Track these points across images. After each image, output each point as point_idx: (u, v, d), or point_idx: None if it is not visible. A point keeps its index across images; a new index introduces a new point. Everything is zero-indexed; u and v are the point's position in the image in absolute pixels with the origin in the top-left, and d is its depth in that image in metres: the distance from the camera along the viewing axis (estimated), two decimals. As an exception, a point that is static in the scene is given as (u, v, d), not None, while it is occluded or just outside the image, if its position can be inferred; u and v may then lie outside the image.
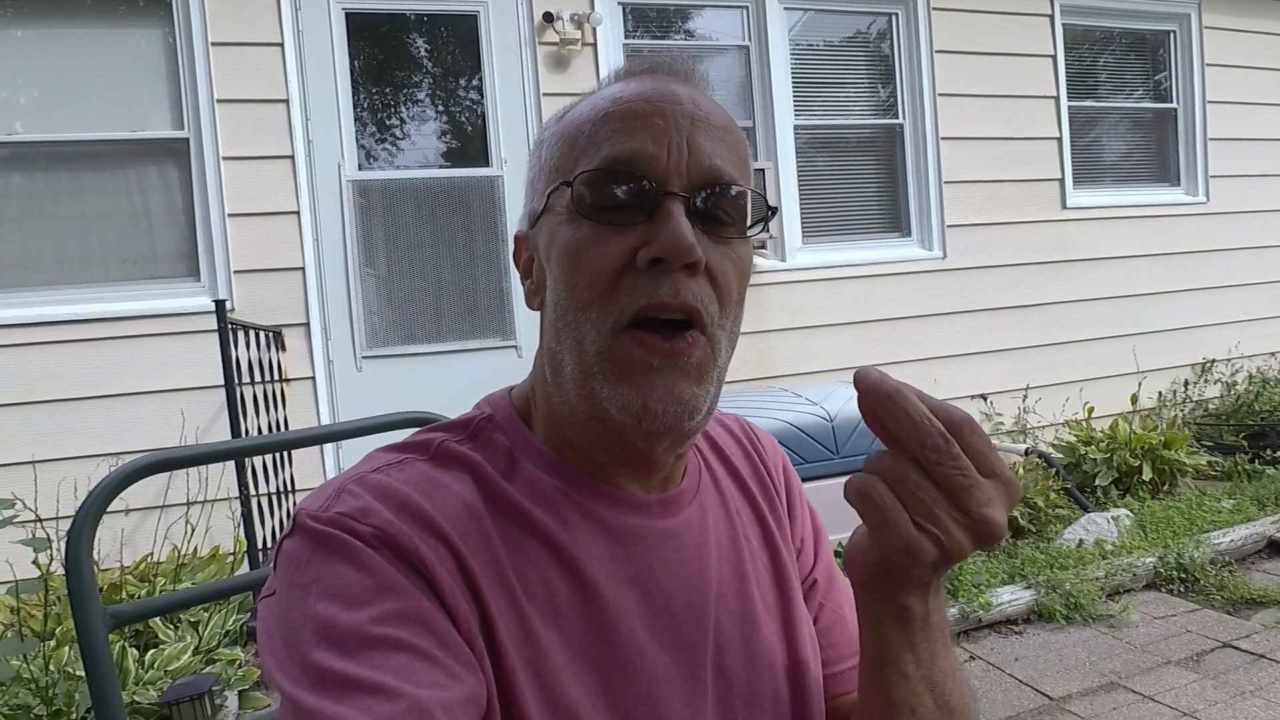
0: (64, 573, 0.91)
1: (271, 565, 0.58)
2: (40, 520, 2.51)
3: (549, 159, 0.63)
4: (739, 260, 0.61)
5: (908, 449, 0.49)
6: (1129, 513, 3.68)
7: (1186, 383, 5.06)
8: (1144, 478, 4.02)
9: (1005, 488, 0.49)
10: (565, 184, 0.60)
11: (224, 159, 3.43)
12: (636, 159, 0.58)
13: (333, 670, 0.48)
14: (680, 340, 0.57)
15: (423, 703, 0.47)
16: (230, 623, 2.71)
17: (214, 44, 3.42)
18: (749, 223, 0.62)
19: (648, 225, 0.57)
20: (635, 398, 0.57)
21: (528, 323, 3.81)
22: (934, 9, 4.51)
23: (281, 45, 3.50)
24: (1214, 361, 5.10)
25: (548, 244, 0.62)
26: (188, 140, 3.44)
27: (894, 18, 4.55)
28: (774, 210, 0.64)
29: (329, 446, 3.56)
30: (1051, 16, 4.78)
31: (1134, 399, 4.75)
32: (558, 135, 0.63)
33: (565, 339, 0.60)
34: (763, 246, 4.18)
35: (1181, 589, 3.17)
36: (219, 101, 3.43)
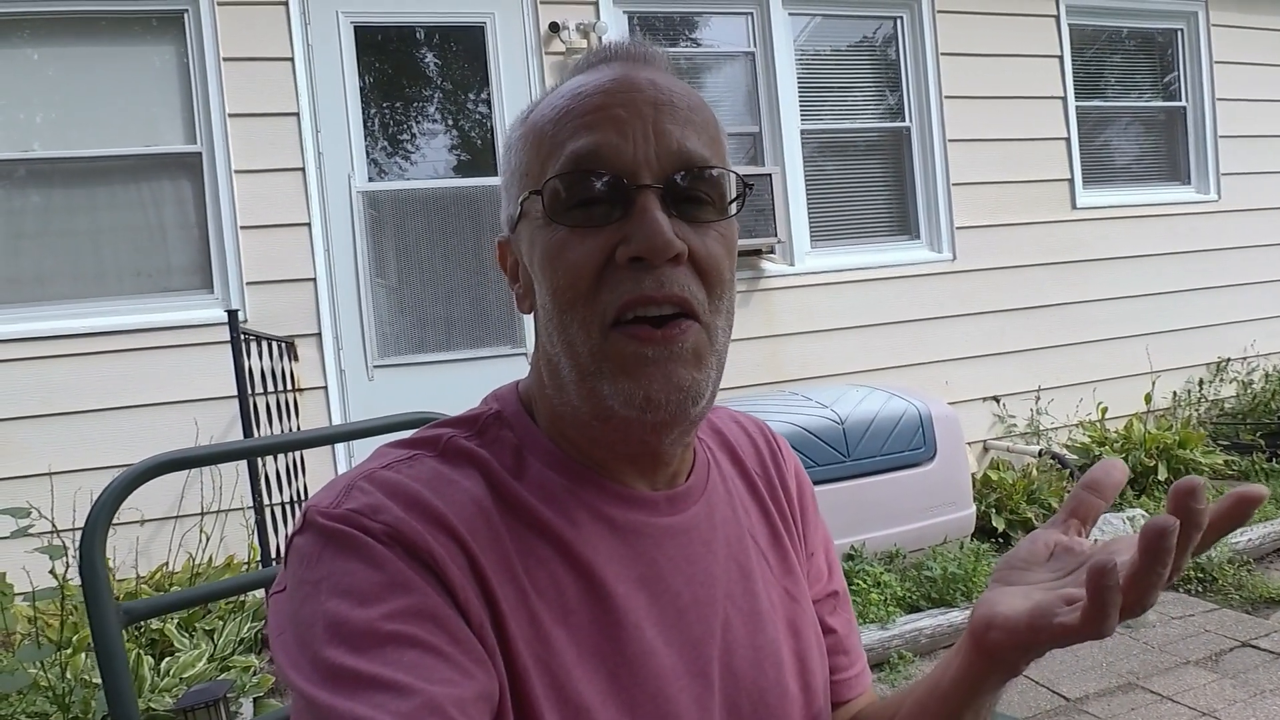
0: (79, 572, 0.93)
1: (281, 561, 0.58)
2: (58, 531, 2.54)
3: (518, 163, 0.63)
4: (724, 240, 0.61)
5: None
6: (1145, 513, 3.65)
7: (1201, 382, 5.00)
8: (1159, 478, 3.99)
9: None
10: (535, 192, 0.59)
11: (236, 172, 3.47)
12: (601, 154, 0.57)
13: (345, 667, 0.48)
14: (672, 327, 0.57)
15: (435, 699, 0.47)
16: (245, 630, 2.72)
17: (226, 59, 3.47)
18: (729, 199, 0.61)
19: (623, 221, 0.57)
20: (637, 390, 0.57)
21: (537, 330, 3.82)
22: (939, 12, 4.52)
23: (292, 60, 3.55)
24: (1229, 360, 5.05)
25: (529, 248, 0.61)
26: (200, 154, 3.49)
27: (899, 21, 4.56)
28: (749, 186, 0.63)
29: (341, 455, 3.58)
30: (1057, 17, 4.77)
31: (1148, 399, 4.71)
32: (524, 137, 0.63)
33: (557, 342, 0.60)
34: (770, 251, 4.19)
35: (1199, 588, 3.13)
36: (231, 116, 3.47)
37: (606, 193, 0.58)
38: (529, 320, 3.89)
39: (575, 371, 0.59)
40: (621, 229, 0.57)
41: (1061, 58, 4.78)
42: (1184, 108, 5.20)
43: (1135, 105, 5.18)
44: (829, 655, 0.75)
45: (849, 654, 0.78)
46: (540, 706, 0.54)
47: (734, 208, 0.62)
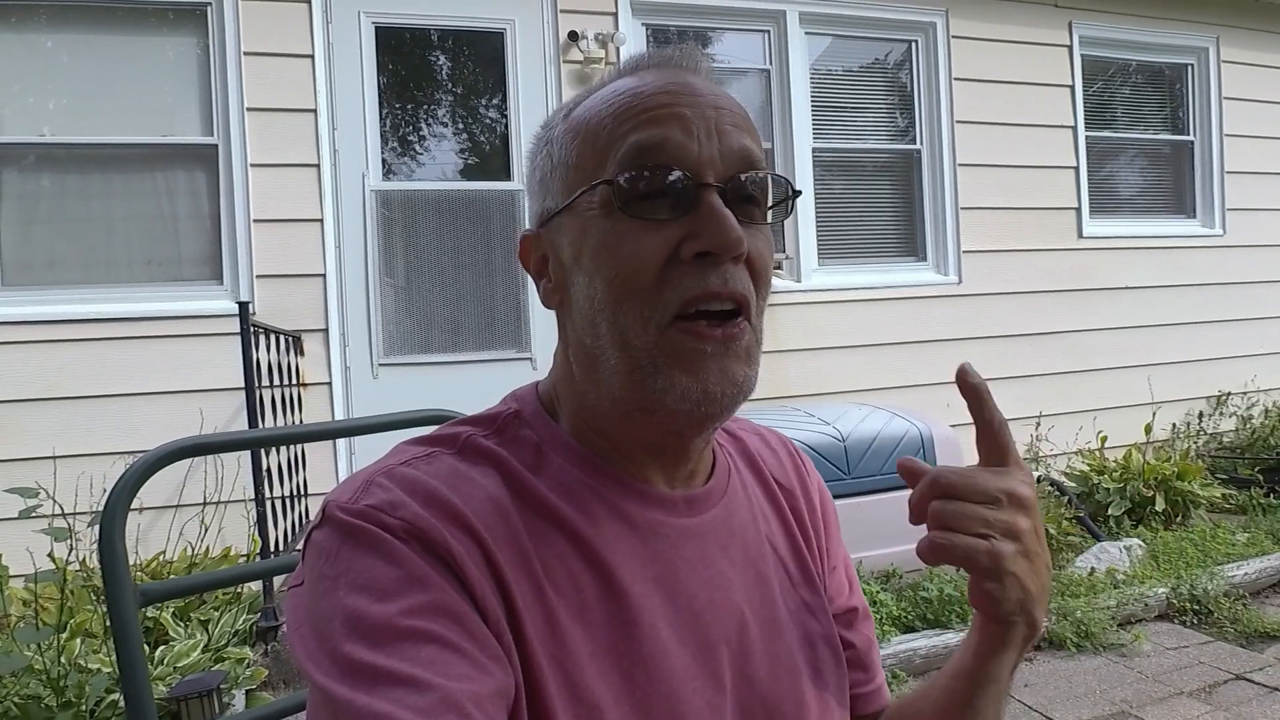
0: (97, 551, 0.93)
1: (300, 555, 0.58)
2: (64, 514, 2.54)
3: (565, 156, 0.62)
4: (768, 241, 0.63)
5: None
6: (1141, 543, 3.65)
7: (1201, 415, 5.02)
8: (1157, 508, 3.99)
9: (1018, 469, 0.60)
10: (604, 183, 0.59)
11: (252, 165, 3.49)
12: (669, 151, 0.58)
13: (363, 662, 0.48)
14: (732, 326, 0.58)
15: (453, 695, 0.47)
16: (240, 622, 2.72)
17: (246, 54, 3.50)
18: (771, 203, 0.64)
19: (688, 218, 0.58)
20: (694, 385, 0.57)
21: (543, 335, 3.84)
22: (953, 37, 4.56)
23: (312, 57, 3.58)
24: (1229, 394, 5.07)
25: (576, 241, 0.61)
26: (216, 146, 3.51)
27: (913, 45, 4.60)
28: (799, 191, 0.65)
29: (344, 452, 3.59)
30: (1070, 47, 4.82)
31: (1148, 429, 4.72)
32: (572, 131, 0.62)
33: (604, 334, 0.59)
34: (779, 267, 4.21)
35: (1194, 620, 3.14)
36: (249, 110, 3.50)
37: (672, 188, 0.58)
38: (538, 327, 3.94)
39: (626, 363, 0.59)
40: (687, 225, 0.58)
41: (1073, 87, 4.83)
42: (1191, 142, 5.24)
43: (1144, 137, 5.22)
44: (847, 670, 0.75)
45: (868, 669, 0.78)
46: (553, 704, 0.54)
47: (781, 211, 0.64)
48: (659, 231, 0.58)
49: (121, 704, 2.09)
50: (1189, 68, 5.24)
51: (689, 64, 0.65)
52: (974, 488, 0.58)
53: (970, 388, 0.60)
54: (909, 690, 0.77)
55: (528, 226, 0.68)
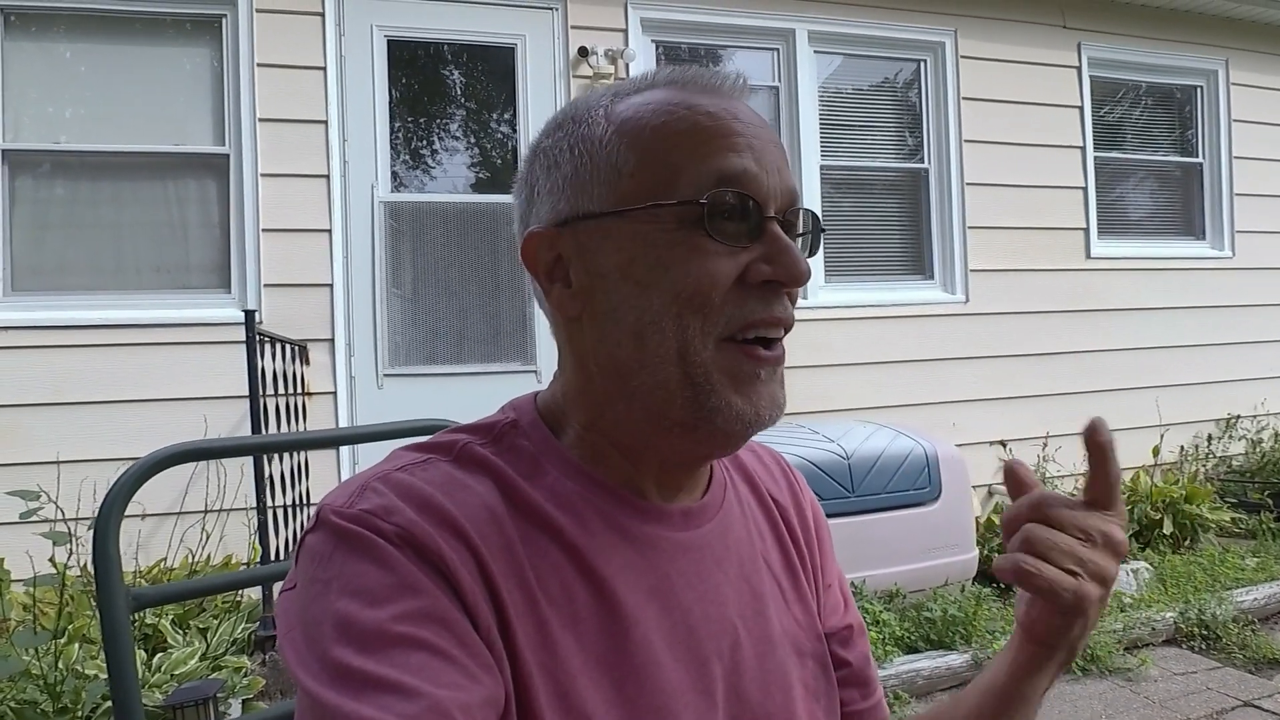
0: (92, 553, 0.93)
1: (293, 559, 0.58)
2: (66, 519, 2.55)
3: (614, 160, 0.61)
4: None
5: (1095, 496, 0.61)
6: (1149, 566, 3.62)
7: (1210, 438, 4.98)
8: (1165, 531, 3.96)
9: (1119, 515, 0.61)
10: (691, 203, 0.58)
11: (262, 175, 3.52)
12: (744, 180, 0.59)
13: (352, 667, 0.48)
14: (779, 348, 0.61)
15: (441, 703, 0.47)
16: (239, 631, 2.71)
17: (259, 65, 3.53)
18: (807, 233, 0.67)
19: (757, 244, 0.60)
20: (748, 408, 0.59)
21: (549, 348, 3.84)
22: (962, 57, 4.58)
23: (324, 69, 3.61)
24: (1239, 417, 5.03)
25: (627, 250, 0.60)
26: (228, 156, 3.54)
27: (922, 65, 4.62)
28: (823, 230, 0.69)
29: (346, 461, 3.59)
30: (1079, 68, 4.82)
31: (1156, 452, 4.69)
32: (627, 137, 0.61)
33: (655, 348, 0.59)
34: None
35: (1202, 646, 3.10)
36: (261, 120, 3.53)
37: (745, 215, 0.60)
38: (544, 340, 3.93)
39: (679, 379, 0.59)
40: (756, 252, 0.61)
41: (1081, 108, 4.83)
42: (1200, 164, 5.23)
43: (1152, 159, 5.21)
44: (842, 687, 0.74)
45: (864, 686, 0.77)
46: (544, 714, 0.54)
47: (810, 244, 0.68)
48: (733, 256, 0.59)
49: (117, 711, 2.08)
50: (1198, 90, 5.24)
51: (739, 94, 0.65)
52: (1075, 522, 0.58)
53: (1098, 446, 0.60)
54: (921, 712, 0.79)
55: (530, 224, 0.65)
